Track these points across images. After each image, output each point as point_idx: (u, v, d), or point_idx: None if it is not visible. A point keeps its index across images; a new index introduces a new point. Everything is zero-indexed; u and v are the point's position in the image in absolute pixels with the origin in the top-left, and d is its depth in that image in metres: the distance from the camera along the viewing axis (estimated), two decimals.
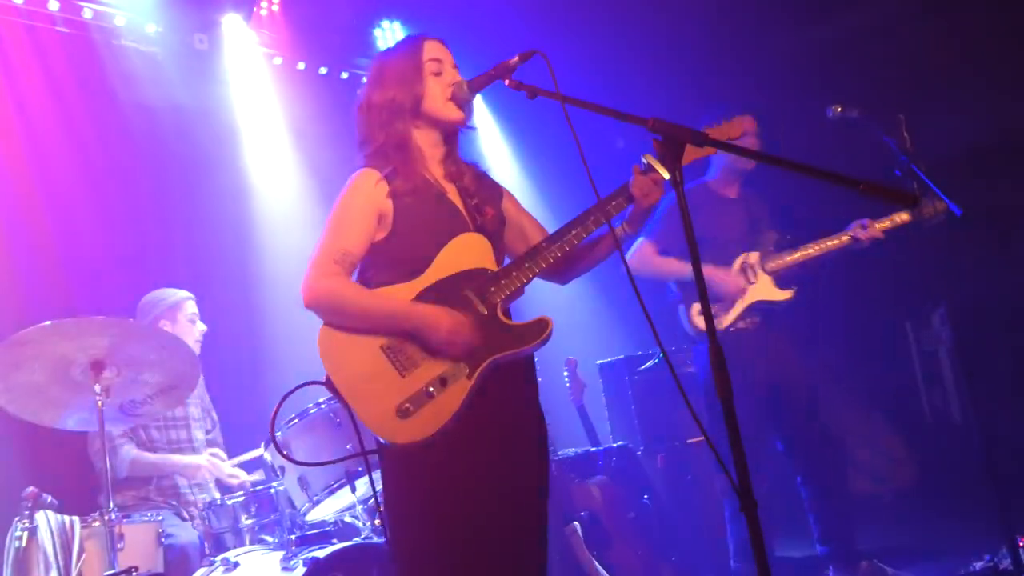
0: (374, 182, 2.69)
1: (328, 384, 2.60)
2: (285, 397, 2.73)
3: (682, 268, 4.60)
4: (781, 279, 4.61)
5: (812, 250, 4.60)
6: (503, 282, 2.67)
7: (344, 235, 2.67)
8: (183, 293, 4.64)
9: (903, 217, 4.48)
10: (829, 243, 4.59)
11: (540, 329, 2.64)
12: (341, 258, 2.64)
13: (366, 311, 2.62)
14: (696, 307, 4.59)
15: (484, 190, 2.87)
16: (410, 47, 2.82)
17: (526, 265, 2.69)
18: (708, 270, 4.46)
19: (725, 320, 4.54)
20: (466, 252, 2.70)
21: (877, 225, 4.51)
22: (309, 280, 2.62)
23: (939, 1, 6.02)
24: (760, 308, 4.59)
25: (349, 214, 2.70)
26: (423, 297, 2.63)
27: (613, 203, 2.70)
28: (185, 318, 4.58)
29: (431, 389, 2.55)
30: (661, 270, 4.66)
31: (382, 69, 2.82)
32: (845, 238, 4.55)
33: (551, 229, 2.80)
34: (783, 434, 4.63)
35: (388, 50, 2.90)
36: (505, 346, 2.62)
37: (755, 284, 4.59)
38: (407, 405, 2.53)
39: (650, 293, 4.58)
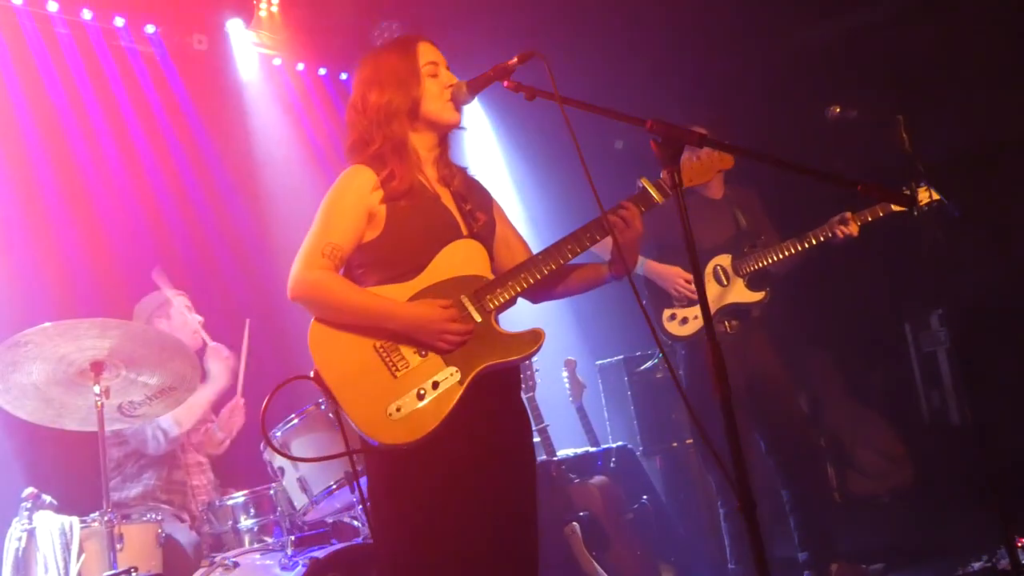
0: (368, 182, 2.67)
1: (316, 379, 2.57)
2: (273, 393, 2.66)
3: (646, 267, 4.55)
4: (754, 280, 4.57)
5: (788, 251, 4.51)
6: (499, 290, 2.67)
7: (332, 229, 2.65)
8: (172, 291, 4.63)
9: (886, 209, 4.38)
10: (806, 242, 4.48)
11: (533, 340, 2.64)
12: (329, 252, 2.62)
13: (349, 305, 2.59)
14: (667, 313, 4.55)
15: (475, 196, 2.86)
16: (406, 48, 2.79)
17: (522, 275, 2.69)
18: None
19: (698, 324, 4.46)
20: (463, 258, 2.70)
21: (859, 218, 4.41)
22: (295, 272, 2.62)
23: (939, 1, 6.03)
24: (734, 311, 4.55)
25: (339, 209, 2.68)
26: (417, 299, 2.63)
27: (610, 219, 2.71)
28: (177, 314, 4.57)
29: (422, 391, 2.54)
30: None
31: (378, 69, 2.78)
32: (825, 234, 4.44)
33: (548, 234, 2.80)
34: (762, 436, 4.61)
35: (381, 50, 2.86)
36: (498, 354, 2.61)
37: (727, 287, 4.56)
38: (397, 406, 2.52)
39: (643, 293, 4.61)
